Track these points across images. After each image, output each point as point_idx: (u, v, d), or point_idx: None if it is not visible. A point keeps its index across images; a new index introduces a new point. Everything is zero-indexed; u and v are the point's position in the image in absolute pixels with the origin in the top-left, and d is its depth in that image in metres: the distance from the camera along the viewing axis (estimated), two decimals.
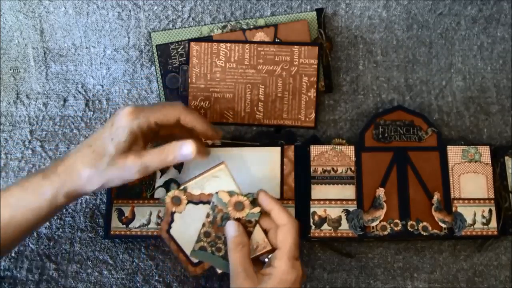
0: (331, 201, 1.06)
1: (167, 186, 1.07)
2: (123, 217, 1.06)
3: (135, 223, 1.05)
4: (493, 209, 1.06)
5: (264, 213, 0.94)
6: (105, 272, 1.09)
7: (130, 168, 0.91)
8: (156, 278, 1.08)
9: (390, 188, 1.06)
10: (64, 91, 1.21)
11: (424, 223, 1.04)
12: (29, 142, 1.18)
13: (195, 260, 0.97)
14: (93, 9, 1.22)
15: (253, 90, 1.14)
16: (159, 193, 1.07)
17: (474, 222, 1.05)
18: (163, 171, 1.08)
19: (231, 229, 0.93)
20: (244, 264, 0.89)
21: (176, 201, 0.98)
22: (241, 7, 1.20)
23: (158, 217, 1.05)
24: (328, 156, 1.09)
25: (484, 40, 1.24)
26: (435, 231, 1.04)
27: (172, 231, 0.98)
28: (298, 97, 1.14)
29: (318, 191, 1.07)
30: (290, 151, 1.09)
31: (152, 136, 0.97)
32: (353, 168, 1.08)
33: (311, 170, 1.08)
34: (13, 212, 0.90)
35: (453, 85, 1.22)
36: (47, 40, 1.23)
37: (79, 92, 1.21)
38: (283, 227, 0.91)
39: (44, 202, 0.90)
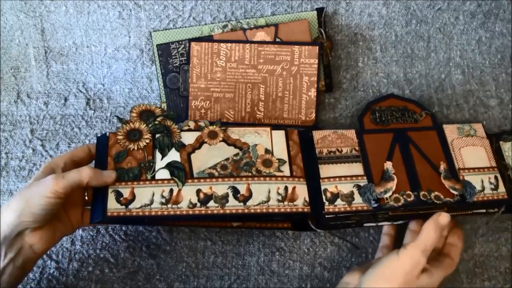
0: (341, 178, 1.05)
1: (170, 167, 1.02)
2: (122, 198, 0.98)
3: (136, 204, 0.98)
4: (498, 175, 1.07)
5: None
6: (106, 271, 1.09)
7: None
8: (158, 277, 1.08)
9: (396, 163, 1.06)
10: (65, 90, 1.22)
11: (436, 193, 1.03)
12: (30, 141, 1.18)
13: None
14: (94, 9, 1.22)
15: (253, 90, 1.14)
16: (161, 174, 1.01)
17: (483, 188, 1.04)
18: (164, 153, 1.04)
19: (445, 219, 0.97)
20: None
21: (212, 135, 1.05)
22: (241, 6, 1.20)
23: (162, 196, 0.98)
24: (331, 139, 1.09)
25: (483, 34, 1.25)
26: (448, 199, 1.03)
27: (192, 155, 1.03)
28: (298, 96, 1.14)
29: (326, 170, 1.06)
30: (294, 135, 1.08)
31: None
32: (357, 148, 1.08)
33: (317, 152, 1.08)
34: None
35: (452, 78, 1.23)
36: (48, 39, 1.23)
37: (80, 91, 1.22)
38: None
39: None
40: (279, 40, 1.15)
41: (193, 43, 1.13)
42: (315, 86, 1.14)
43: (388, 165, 1.06)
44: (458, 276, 1.11)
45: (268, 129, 1.07)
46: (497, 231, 1.14)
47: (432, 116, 1.13)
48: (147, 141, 1.03)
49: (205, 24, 1.18)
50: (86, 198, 1.02)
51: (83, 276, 1.08)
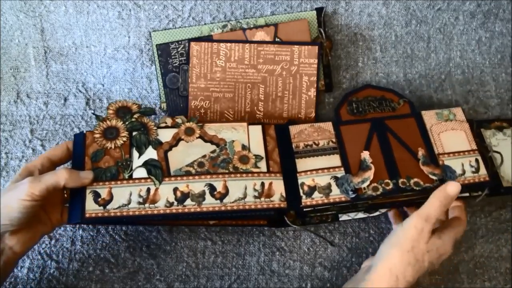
0: (318, 170, 1.05)
1: (147, 166, 1.01)
2: (100, 199, 0.97)
3: (114, 204, 0.97)
4: (479, 158, 1.06)
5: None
6: (107, 271, 1.09)
7: None
8: (158, 277, 1.08)
9: (374, 152, 1.06)
10: (65, 90, 1.22)
11: (416, 179, 1.03)
12: (30, 141, 1.18)
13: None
14: (94, 8, 1.22)
15: (253, 90, 1.14)
16: (138, 173, 1.01)
17: (464, 171, 1.04)
18: (141, 151, 1.03)
19: (454, 189, 0.96)
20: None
21: (189, 132, 1.04)
22: (241, 6, 1.20)
23: (140, 196, 0.98)
24: (308, 133, 1.09)
25: (483, 34, 1.25)
26: (428, 184, 1.03)
27: (169, 153, 1.02)
28: (298, 96, 1.14)
29: (303, 163, 1.06)
30: (271, 130, 1.08)
31: None
32: (334, 140, 1.08)
33: (293, 146, 1.08)
34: None
35: (452, 78, 1.23)
36: (48, 39, 1.23)
37: (80, 91, 1.22)
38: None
39: None
40: (278, 40, 1.15)
41: (192, 43, 1.13)
42: (315, 85, 1.14)
43: (365, 154, 1.05)
44: (459, 276, 1.11)
45: (244, 124, 1.07)
46: (497, 232, 1.14)
47: (410, 103, 1.12)
48: (124, 139, 1.02)
49: (205, 24, 1.18)
50: (66, 195, 1.02)
51: (84, 276, 1.08)
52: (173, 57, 1.15)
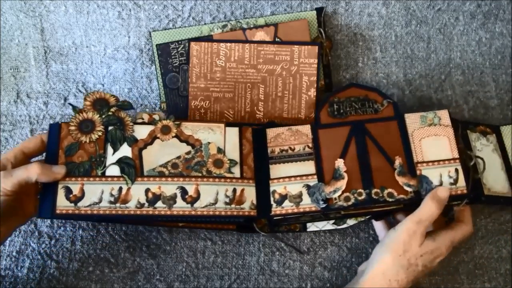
0: (291, 178, 1.03)
1: (120, 163, 1.00)
2: (71, 195, 0.96)
3: (85, 202, 0.96)
4: (459, 168, 1.01)
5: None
6: (107, 271, 1.09)
7: None
8: (157, 277, 1.08)
9: (350, 159, 1.03)
10: (65, 90, 1.22)
11: (389, 190, 1.00)
12: None
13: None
14: (94, 8, 1.22)
15: (253, 90, 1.14)
16: (111, 170, 1.01)
17: (441, 183, 1.00)
18: (116, 147, 1.02)
19: (444, 193, 0.98)
20: None
21: (165, 130, 1.03)
22: (241, 6, 1.20)
23: (111, 195, 0.98)
24: (285, 137, 1.07)
25: (483, 35, 1.25)
26: (402, 196, 1.00)
27: (144, 151, 1.01)
28: (298, 96, 1.14)
29: (277, 170, 1.05)
30: (248, 133, 1.07)
31: None
32: (310, 145, 1.06)
33: (269, 151, 1.06)
34: None
35: (452, 79, 1.23)
36: (48, 39, 1.23)
37: (80, 91, 1.21)
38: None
39: None
40: (278, 39, 1.15)
41: (192, 43, 1.13)
42: (315, 86, 1.14)
43: (339, 163, 1.03)
44: (459, 277, 1.11)
45: (222, 125, 1.06)
46: (497, 233, 1.14)
47: (394, 105, 1.07)
48: (100, 133, 1.01)
49: (205, 24, 1.18)
50: (40, 187, 1.01)
51: (83, 276, 1.08)
52: (173, 57, 1.15)
